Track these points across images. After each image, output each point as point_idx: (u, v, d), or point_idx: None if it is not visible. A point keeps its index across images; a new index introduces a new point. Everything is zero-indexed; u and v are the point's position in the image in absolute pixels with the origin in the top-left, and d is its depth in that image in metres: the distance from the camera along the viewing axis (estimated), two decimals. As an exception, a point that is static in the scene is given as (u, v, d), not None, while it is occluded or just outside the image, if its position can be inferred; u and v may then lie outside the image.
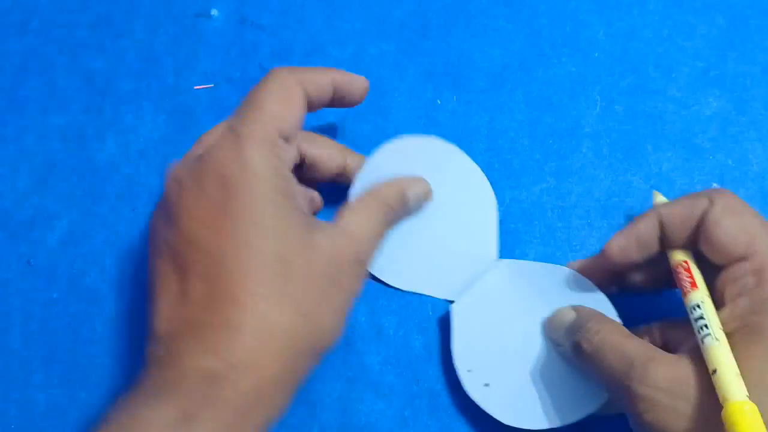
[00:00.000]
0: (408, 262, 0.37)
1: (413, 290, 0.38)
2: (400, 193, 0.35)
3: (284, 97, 0.31)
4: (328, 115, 0.41)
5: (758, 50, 0.42)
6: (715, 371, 0.27)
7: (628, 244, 0.32)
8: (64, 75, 0.43)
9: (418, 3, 0.43)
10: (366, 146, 0.41)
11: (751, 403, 0.26)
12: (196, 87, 0.43)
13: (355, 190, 0.36)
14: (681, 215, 0.31)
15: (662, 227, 0.32)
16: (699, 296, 0.30)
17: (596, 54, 0.42)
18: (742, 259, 0.29)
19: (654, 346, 0.30)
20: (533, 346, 0.35)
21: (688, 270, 0.32)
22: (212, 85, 0.43)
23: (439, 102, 0.42)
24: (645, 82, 0.41)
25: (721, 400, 0.26)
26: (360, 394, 0.36)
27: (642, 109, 0.41)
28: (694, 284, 0.31)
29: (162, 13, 0.44)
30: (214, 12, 0.44)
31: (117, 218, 0.40)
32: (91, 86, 0.43)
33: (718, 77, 0.41)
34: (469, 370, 0.35)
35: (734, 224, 0.30)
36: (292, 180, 0.32)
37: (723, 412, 0.26)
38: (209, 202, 0.29)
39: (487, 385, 0.35)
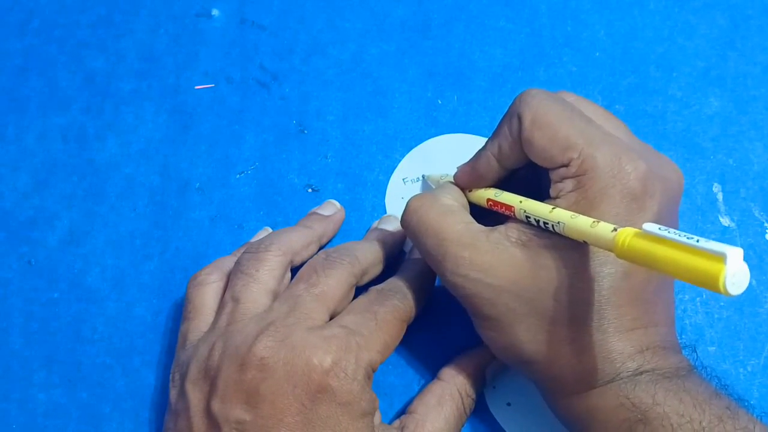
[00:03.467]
0: None
1: None
2: (478, 380, 0.35)
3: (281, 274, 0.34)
4: (328, 114, 0.41)
5: (759, 50, 0.42)
6: (592, 226, 0.27)
7: (471, 179, 0.34)
8: (64, 75, 0.43)
9: (419, 3, 0.43)
10: (366, 146, 0.41)
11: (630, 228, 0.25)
12: (196, 87, 0.43)
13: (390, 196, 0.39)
14: (506, 144, 0.32)
15: (497, 158, 0.32)
16: (520, 212, 0.30)
17: (597, 54, 0.42)
18: (563, 165, 0.29)
19: (472, 226, 0.31)
20: None
21: (495, 204, 0.32)
22: (213, 85, 0.43)
23: (440, 102, 0.42)
24: (646, 81, 0.41)
25: (610, 241, 0.25)
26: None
27: (643, 108, 0.41)
28: (509, 208, 0.31)
29: (163, 12, 0.44)
30: (214, 12, 0.44)
31: (118, 218, 0.40)
32: (91, 86, 0.43)
33: (719, 77, 0.41)
34: (494, 387, 0.35)
35: (545, 138, 0.30)
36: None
37: (621, 244, 0.25)
38: (298, 404, 0.29)
39: (509, 404, 0.35)
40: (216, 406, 0.29)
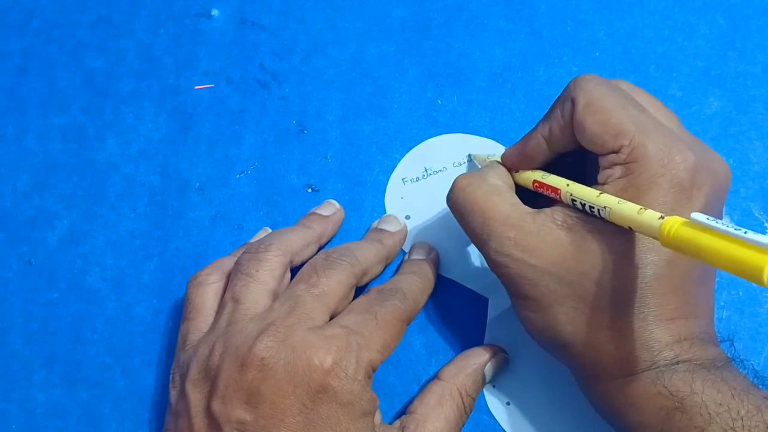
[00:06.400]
0: (448, 249, 0.38)
1: (450, 277, 0.38)
2: (478, 379, 0.35)
3: (280, 274, 0.34)
4: (328, 114, 0.41)
5: (759, 50, 0.42)
6: (639, 212, 0.27)
7: (520, 160, 0.34)
8: (64, 75, 0.43)
9: (419, 3, 0.43)
10: (366, 146, 0.41)
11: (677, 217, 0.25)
12: (196, 87, 0.43)
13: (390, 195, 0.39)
14: (557, 127, 0.32)
15: (547, 141, 0.32)
16: (566, 195, 0.30)
17: (597, 53, 0.42)
18: (613, 151, 0.30)
19: (518, 207, 0.31)
20: (559, 370, 0.34)
21: (541, 186, 0.32)
22: (213, 85, 0.43)
23: (439, 102, 0.42)
24: (646, 81, 0.41)
25: (656, 228, 0.25)
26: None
27: (643, 108, 0.41)
28: (555, 191, 0.31)
29: (162, 12, 0.44)
30: (214, 12, 0.44)
31: (117, 218, 0.40)
32: (91, 86, 0.43)
33: (718, 77, 0.41)
34: (494, 386, 0.35)
35: (598, 123, 0.30)
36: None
37: (666, 232, 0.25)
38: (299, 404, 0.29)
39: (508, 403, 0.35)
40: (217, 406, 0.29)
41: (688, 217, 0.24)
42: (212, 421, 0.29)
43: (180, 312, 0.35)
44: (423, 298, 0.35)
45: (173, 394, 0.32)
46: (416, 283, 0.34)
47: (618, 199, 0.28)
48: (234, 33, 0.44)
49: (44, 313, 0.39)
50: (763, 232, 0.38)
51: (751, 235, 0.22)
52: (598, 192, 0.29)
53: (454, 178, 0.34)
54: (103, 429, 0.37)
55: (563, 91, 0.32)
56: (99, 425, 0.37)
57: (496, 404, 0.35)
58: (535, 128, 0.33)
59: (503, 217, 0.31)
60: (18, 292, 0.39)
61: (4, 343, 0.38)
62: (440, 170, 0.40)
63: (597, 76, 0.31)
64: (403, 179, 0.40)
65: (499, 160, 0.35)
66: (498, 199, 0.32)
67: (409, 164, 0.40)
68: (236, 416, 0.29)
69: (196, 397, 0.30)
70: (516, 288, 0.31)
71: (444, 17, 0.43)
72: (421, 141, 0.41)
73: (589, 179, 0.31)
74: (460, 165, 0.40)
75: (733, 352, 0.30)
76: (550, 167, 0.33)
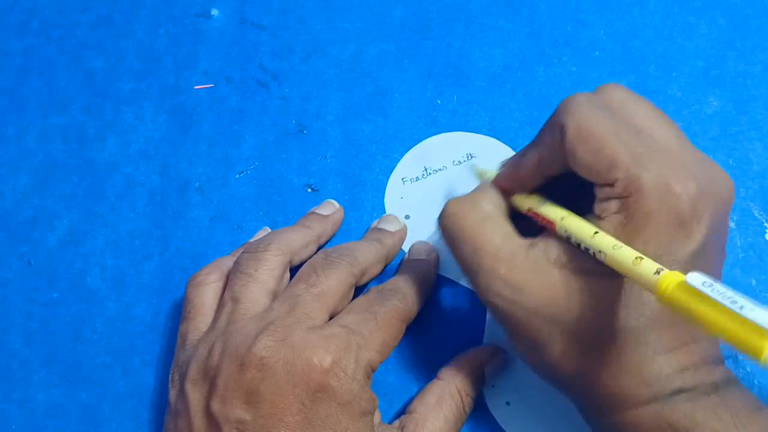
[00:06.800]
0: (448, 249, 0.37)
1: (450, 277, 0.38)
2: (477, 379, 0.34)
3: (280, 274, 0.34)
4: (328, 114, 0.42)
5: (759, 49, 0.42)
6: (634, 263, 0.26)
7: (513, 186, 0.32)
8: (64, 75, 0.43)
9: (419, 3, 0.43)
10: (366, 146, 0.41)
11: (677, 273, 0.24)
12: (196, 87, 0.43)
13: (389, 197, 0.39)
14: (547, 154, 0.30)
15: (539, 168, 0.31)
16: (561, 230, 0.29)
17: (597, 53, 0.42)
18: (607, 183, 0.28)
19: (510, 239, 0.30)
20: None
21: (536, 216, 0.31)
22: (212, 85, 0.43)
23: (439, 102, 0.42)
24: (645, 81, 0.41)
25: (652, 285, 0.24)
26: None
27: (643, 108, 0.41)
28: (549, 223, 0.30)
29: (162, 12, 0.44)
30: (214, 12, 0.44)
31: (117, 218, 0.40)
32: (91, 86, 0.43)
33: (718, 77, 0.41)
34: (493, 386, 0.35)
35: (590, 152, 0.28)
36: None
37: (663, 290, 0.24)
38: (299, 404, 0.29)
39: (508, 403, 0.35)
40: (216, 406, 0.29)
41: (688, 257, 0.23)
42: (211, 421, 0.29)
43: (180, 312, 0.35)
44: (423, 298, 0.35)
45: (172, 393, 0.32)
46: (416, 283, 0.34)
47: (614, 243, 0.27)
48: (234, 33, 0.44)
49: (44, 313, 0.39)
50: (763, 233, 0.38)
51: (748, 311, 0.21)
52: (594, 231, 0.28)
53: (449, 189, 0.33)
54: (103, 429, 0.37)
55: (553, 113, 0.30)
56: (99, 425, 0.37)
57: (496, 404, 0.35)
58: (525, 152, 0.32)
59: (494, 249, 0.30)
60: (18, 292, 0.39)
61: (4, 343, 0.38)
62: (440, 169, 0.40)
63: (587, 96, 0.30)
64: (402, 179, 0.40)
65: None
66: (489, 228, 0.31)
67: (408, 164, 0.40)
68: (235, 416, 0.29)
69: (195, 396, 0.30)
70: (507, 327, 0.30)
71: (444, 17, 0.43)
72: (420, 140, 0.41)
73: (588, 192, 0.30)
74: (460, 164, 0.40)
75: (737, 366, 0.30)
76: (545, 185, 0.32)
